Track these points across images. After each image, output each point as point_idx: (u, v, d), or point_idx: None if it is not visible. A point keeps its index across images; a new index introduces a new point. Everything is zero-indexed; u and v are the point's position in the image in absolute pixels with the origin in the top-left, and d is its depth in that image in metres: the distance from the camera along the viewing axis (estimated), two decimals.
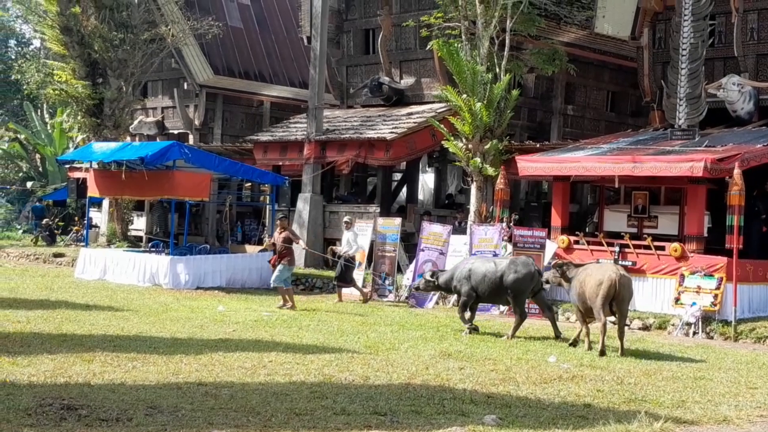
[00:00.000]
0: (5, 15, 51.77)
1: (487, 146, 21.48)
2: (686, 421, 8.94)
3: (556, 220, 20.46)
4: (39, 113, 43.52)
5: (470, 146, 21.68)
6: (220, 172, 24.63)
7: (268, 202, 27.33)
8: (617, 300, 13.55)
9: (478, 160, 21.48)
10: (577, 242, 19.63)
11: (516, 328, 15.14)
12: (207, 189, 23.77)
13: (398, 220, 22.36)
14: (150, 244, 26.81)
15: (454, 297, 20.46)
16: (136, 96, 30.82)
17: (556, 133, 26.49)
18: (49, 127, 42.01)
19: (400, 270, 21.88)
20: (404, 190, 29.04)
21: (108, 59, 28.98)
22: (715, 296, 17.09)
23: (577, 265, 14.75)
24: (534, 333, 15.69)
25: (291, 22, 33.94)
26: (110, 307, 17.12)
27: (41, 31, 32.00)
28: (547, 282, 15.28)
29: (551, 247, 19.68)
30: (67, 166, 31.77)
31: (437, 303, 20.38)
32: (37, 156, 42.16)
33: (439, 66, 24.42)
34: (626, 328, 17.44)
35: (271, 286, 19.31)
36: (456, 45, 21.64)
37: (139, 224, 31.10)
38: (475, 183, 21.93)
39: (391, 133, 24.09)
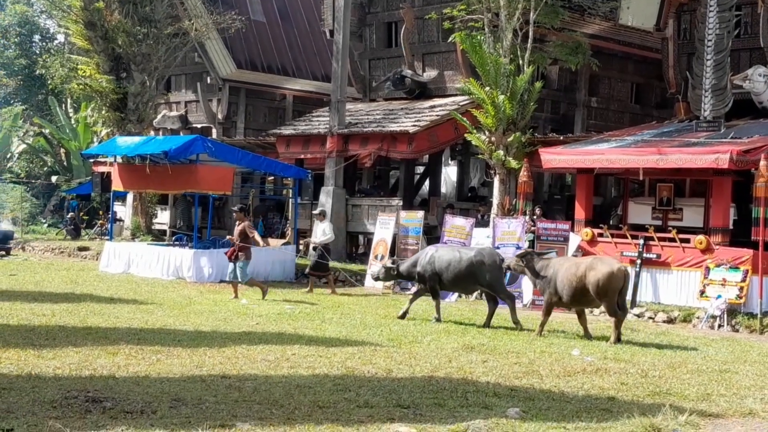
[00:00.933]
0: (29, 10, 52.12)
1: (510, 139, 21.41)
2: (711, 414, 8.87)
3: (579, 212, 20.37)
4: (63, 108, 43.80)
5: (493, 139, 21.62)
6: (243, 165, 24.68)
7: (290, 195, 27.38)
8: (622, 292, 13.82)
9: (501, 152, 21.41)
10: (601, 235, 19.53)
11: (514, 311, 15.39)
12: (230, 183, 23.82)
13: (421, 213, 22.34)
14: (174, 238, 26.95)
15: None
16: (159, 90, 30.95)
17: (580, 125, 26.34)
18: (73, 122, 42.27)
19: None
20: (427, 183, 29.02)
21: (132, 54, 29.12)
22: (741, 289, 16.96)
23: (538, 254, 14.91)
24: (553, 326, 15.62)
25: (313, 16, 33.94)
26: (134, 300, 17.22)
27: (65, 26, 32.19)
28: (509, 269, 15.26)
29: (575, 240, 19.60)
30: (92, 160, 31.97)
31: (460, 296, 20.33)
32: (62, 150, 42.44)
33: (462, 58, 24.35)
34: (651, 321, 17.57)
35: (242, 282, 18.89)
36: (479, 37, 21.57)
37: (162, 218, 31.27)
38: (498, 176, 21.87)
39: (414, 126, 24.05)
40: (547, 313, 14.43)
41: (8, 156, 43.98)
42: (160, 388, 8.86)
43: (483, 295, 16.39)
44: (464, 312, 17.46)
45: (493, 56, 21.22)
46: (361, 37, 28.16)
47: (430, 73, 26.61)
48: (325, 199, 25.27)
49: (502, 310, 15.74)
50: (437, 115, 24.48)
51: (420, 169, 30.56)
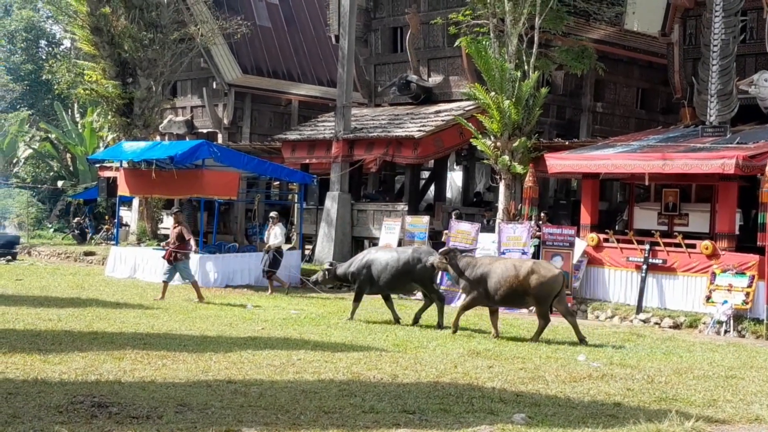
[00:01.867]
0: (36, 16, 52.26)
1: (515, 144, 21.40)
2: (718, 421, 8.84)
3: (585, 218, 20.35)
4: (69, 113, 43.89)
5: (499, 144, 21.62)
6: (248, 170, 24.70)
7: (296, 200, 27.38)
8: (561, 296, 14.33)
9: (506, 157, 21.40)
10: (606, 240, 19.51)
11: (441, 314, 15.67)
12: (236, 188, 23.86)
13: (426, 218, 22.34)
14: None
15: None
16: (165, 95, 31.01)
17: (586, 130, 26.33)
18: (79, 127, 42.35)
19: None
20: (432, 188, 29.01)
21: (138, 59, 29.18)
22: (747, 294, 16.92)
23: (462, 251, 15.27)
24: (552, 334, 15.59)
25: (319, 21, 34.00)
26: (140, 305, 17.24)
27: (71, 31, 32.26)
28: (434, 267, 15.47)
29: (580, 245, 19.58)
30: (98, 165, 32.02)
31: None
32: (68, 155, 42.52)
33: (468, 64, 24.35)
34: (657, 326, 17.54)
35: (188, 281, 19.11)
36: (484, 42, 21.57)
37: (168, 223, 31.24)
38: (503, 181, 21.86)
39: (419, 131, 24.06)
40: (466, 309, 14.88)
41: (14, 161, 44.08)
42: (166, 393, 8.87)
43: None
44: (469, 318, 17.42)
45: (498, 61, 21.23)
46: (366, 42, 28.20)
47: (435, 79, 26.63)
48: (331, 204, 25.28)
49: (507, 316, 15.72)
50: (442, 121, 24.48)
51: (425, 174, 30.57)
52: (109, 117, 32.02)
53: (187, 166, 22.94)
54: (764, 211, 16.64)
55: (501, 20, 21.97)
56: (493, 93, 21.38)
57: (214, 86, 31.74)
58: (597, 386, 10.43)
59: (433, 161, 27.52)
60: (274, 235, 21.33)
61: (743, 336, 16.58)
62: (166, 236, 30.08)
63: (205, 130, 32.10)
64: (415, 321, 15.91)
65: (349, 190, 25.74)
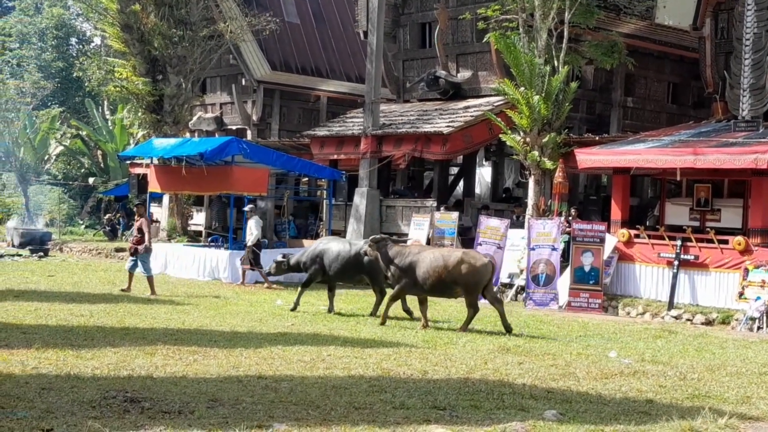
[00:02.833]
0: (66, 13, 52.69)
1: (545, 139, 21.30)
2: (751, 417, 8.75)
3: (616, 213, 20.21)
4: (100, 110, 44.22)
5: (528, 139, 21.52)
6: (277, 167, 24.77)
7: (325, 196, 27.43)
8: (489, 285, 14.62)
9: (536, 153, 21.31)
10: (637, 236, 19.38)
11: (378, 305, 15.92)
12: (265, 184, 23.94)
13: (455, 215, 22.29)
14: (209, 239, 27.10)
15: (512, 291, 20.43)
16: (195, 92, 31.14)
17: (616, 125, 26.14)
18: (110, 124, 42.67)
19: None
20: (461, 184, 28.93)
21: (167, 56, 29.32)
22: None
23: (394, 241, 15.38)
24: (589, 329, 15.51)
25: (348, 17, 33.99)
26: (171, 301, 17.34)
27: (102, 28, 32.50)
28: (365, 254, 15.61)
29: (611, 241, 19.45)
30: (128, 162, 32.26)
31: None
32: (99, 152, 42.85)
33: (497, 59, 24.25)
34: (689, 323, 17.41)
35: (145, 275, 19.02)
36: (513, 37, 21.49)
37: (198, 219, 31.46)
38: (533, 176, 21.76)
39: (448, 126, 24.00)
40: (395, 299, 14.99)
41: (46, 158, 44.48)
42: (197, 389, 8.90)
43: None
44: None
45: (527, 56, 21.12)
46: (395, 38, 28.16)
47: (464, 74, 26.54)
48: (359, 200, 25.28)
49: (537, 313, 15.64)
50: (471, 116, 24.40)
51: (454, 170, 30.48)
52: (140, 114, 32.22)
53: (216, 163, 23.05)
54: None
55: (530, 15, 21.85)
56: (522, 88, 21.28)
57: (243, 83, 31.83)
58: (629, 383, 10.35)
59: (461, 157, 27.43)
60: (249, 229, 21.38)
61: None
62: (197, 233, 30.35)
63: (234, 127, 32.23)
64: (373, 313, 16.16)
65: (377, 186, 25.73)
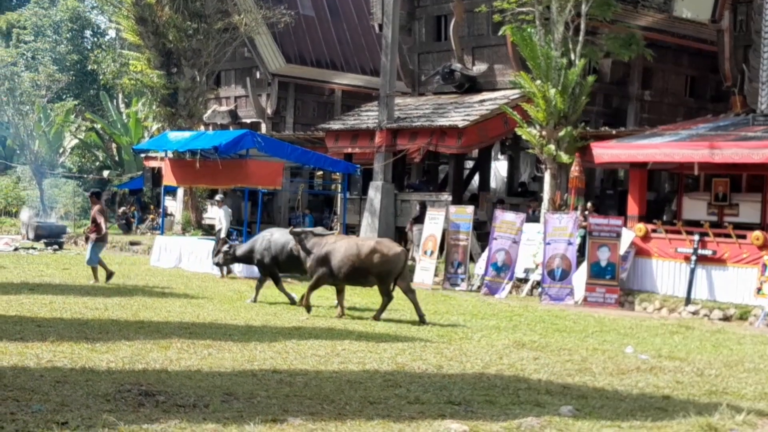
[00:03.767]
0: (81, 6, 52.79)
1: (561, 133, 21.17)
2: None
3: (632, 208, 20.08)
4: (115, 103, 44.31)
5: (544, 133, 21.40)
6: (292, 160, 24.74)
7: (339, 190, 27.39)
8: (403, 274, 14.80)
9: (552, 147, 21.19)
10: (654, 231, 19.25)
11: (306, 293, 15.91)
12: (279, 177, 23.92)
13: (471, 209, 22.20)
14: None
15: (528, 286, 20.35)
16: (209, 85, 31.16)
17: (633, 119, 25.98)
18: (124, 117, 42.74)
19: (472, 259, 21.74)
20: (476, 178, 28.85)
21: (182, 49, 29.33)
22: None
23: (316, 234, 15.53)
24: (606, 324, 15.41)
25: (362, 10, 33.92)
26: (185, 294, 17.34)
27: (117, 21, 32.55)
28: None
29: (628, 236, 19.33)
30: (143, 155, 32.30)
31: (510, 292, 20.20)
32: (113, 145, 42.94)
33: (513, 52, 24.14)
34: (706, 318, 17.31)
35: (87, 264, 19.26)
36: (530, 30, 21.35)
37: (212, 213, 31.48)
38: (549, 170, 21.65)
39: (463, 120, 23.90)
40: (314, 288, 15.18)
41: (61, 151, 44.62)
42: (212, 382, 8.88)
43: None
44: (514, 309, 17.32)
45: (544, 49, 20.99)
46: (410, 30, 28.05)
47: (479, 67, 26.42)
48: (374, 194, 25.23)
49: (553, 307, 15.55)
50: (487, 110, 24.30)
51: (469, 164, 30.39)
52: (154, 107, 32.27)
53: (231, 156, 23.03)
54: None
55: (547, 7, 21.71)
56: (538, 81, 21.17)
57: (258, 76, 31.83)
58: (645, 379, 10.28)
59: (477, 151, 27.34)
60: (218, 220, 21.61)
61: None
62: (211, 226, 30.38)
63: (248, 120, 32.24)
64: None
65: (392, 180, 25.67)
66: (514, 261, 20.51)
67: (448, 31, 26.72)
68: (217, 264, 19.02)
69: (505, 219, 21.02)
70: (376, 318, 14.55)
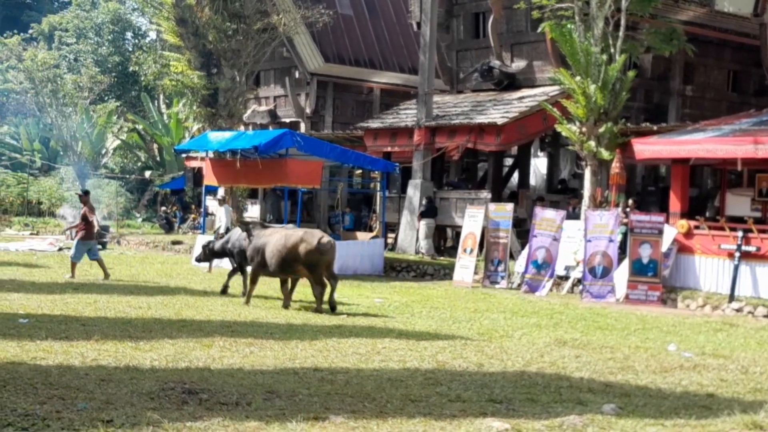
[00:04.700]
0: (122, 8, 53.36)
1: (601, 129, 21.00)
2: None
3: (675, 204, 19.86)
4: (156, 104, 44.72)
5: (584, 129, 21.24)
6: (331, 159, 24.81)
7: (378, 189, 27.41)
8: (330, 264, 15.07)
9: (592, 143, 21.03)
10: (697, 227, 19.03)
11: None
12: (319, 176, 24.00)
13: (510, 206, 22.11)
14: None
15: (569, 284, 20.23)
16: (249, 85, 31.30)
17: (674, 114, 25.71)
18: (165, 118, 43.13)
19: (512, 256, 21.66)
20: (515, 175, 28.72)
21: (222, 49, 29.49)
22: None
23: (264, 226, 15.97)
24: (647, 322, 15.27)
25: (400, 8, 33.93)
26: (227, 293, 17.43)
27: (157, 23, 32.80)
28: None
29: (670, 233, 19.13)
30: (184, 155, 32.58)
31: (551, 290, 20.10)
32: (155, 146, 43.37)
33: (552, 48, 24.00)
34: (750, 316, 17.09)
35: (72, 259, 19.57)
36: (569, 26, 21.20)
37: (252, 212, 31.67)
38: (589, 167, 21.49)
39: (502, 117, 23.82)
40: (254, 281, 15.54)
41: (103, 152, 45.14)
42: (254, 380, 8.93)
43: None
44: (555, 306, 17.23)
45: (584, 45, 20.84)
46: (448, 28, 28.00)
47: (518, 64, 26.31)
48: (413, 192, 25.23)
49: (594, 305, 15.41)
50: (526, 107, 24.20)
51: (508, 162, 30.27)
52: (194, 107, 32.45)
53: (271, 156, 23.15)
54: None
55: (586, 3, 21.52)
56: (578, 77, 21.01)
57: (297, 75, 31.95)
58: (689, 377, 10.17)
59: (516, 148, 27.23)
60: (218, 218, 21.64)
61: None
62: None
63: (287, 120, 32.37)
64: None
65: (431, 178, 25.65)
66: (554, 258, 20.41)
67: (487, 28, 26.63)
68: (198, 259, 19.53)
69: (545, 216, 20.92)
70: (318, 310, 14.77)
